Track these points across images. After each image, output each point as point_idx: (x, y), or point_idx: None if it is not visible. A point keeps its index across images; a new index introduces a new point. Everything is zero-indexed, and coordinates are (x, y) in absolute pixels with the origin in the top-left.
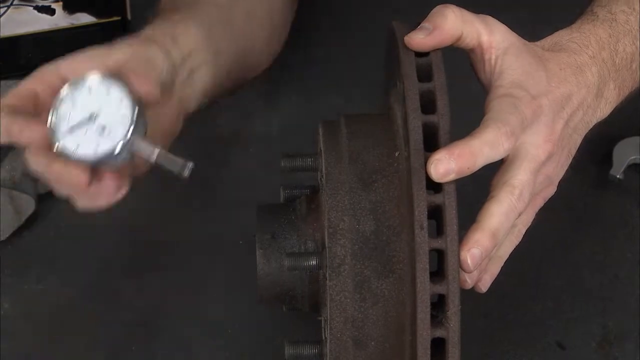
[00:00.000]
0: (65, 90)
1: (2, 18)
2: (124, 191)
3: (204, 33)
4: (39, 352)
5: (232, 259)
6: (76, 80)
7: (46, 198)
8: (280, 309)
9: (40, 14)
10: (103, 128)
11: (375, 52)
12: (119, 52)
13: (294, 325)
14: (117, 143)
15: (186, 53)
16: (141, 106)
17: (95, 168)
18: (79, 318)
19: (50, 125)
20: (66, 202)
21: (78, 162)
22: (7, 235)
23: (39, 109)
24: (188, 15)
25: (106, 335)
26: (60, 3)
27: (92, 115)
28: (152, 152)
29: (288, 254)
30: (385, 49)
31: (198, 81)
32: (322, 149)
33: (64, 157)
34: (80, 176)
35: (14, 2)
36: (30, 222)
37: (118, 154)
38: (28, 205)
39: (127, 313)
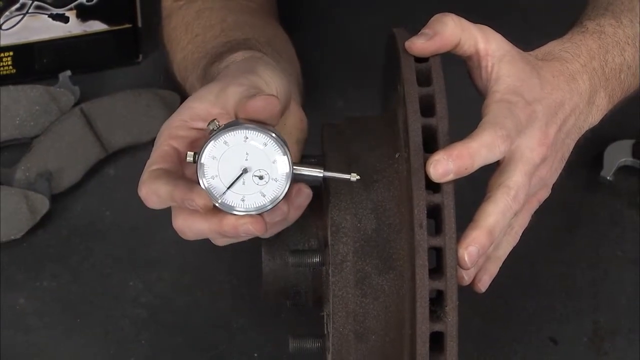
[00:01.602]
0: (206, 149)
1: (18, 26)
2: (304, 197)
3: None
4: (52, 345)
5: (237, 257)
6: (213, 135)
7: (60, 198)
8: (285, 305)
9: (54, 22)
10: (261, 177)
11: (375, 57)
12: (231, 88)
13: (297, 320)
14: (283, 185)
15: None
16: (280, 135)
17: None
18: (90, 313)
19: (206, 188)
20: (79, 203)
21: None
22: (22, 234)
23: (183, 164)
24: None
25: (116, 329)
26: (74, 11)
27: (244, 168)
28: (319, 171)
29: (292, 251)
30: (385, 55)
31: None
32: (325, 150)
33: (230, 212)
34: (257, 224)
35: (30, 10)
36: (44, 221)
37: (286, 192)
38: (42, 204)
39: (136, 308)
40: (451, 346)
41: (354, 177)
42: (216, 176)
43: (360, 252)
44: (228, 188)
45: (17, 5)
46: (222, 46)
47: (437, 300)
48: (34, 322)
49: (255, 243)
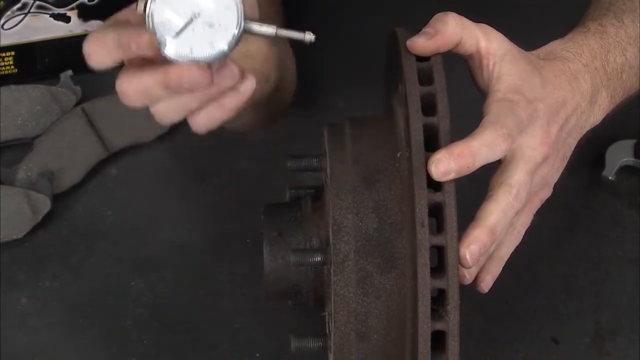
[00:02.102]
0: None
1: (19, 25)
2: (250, 81)
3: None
4: (54, 345)
5: (239, 256)
6: None
7: (61, 198)
8: (286, 305)
9: (56, 22)
10: (211, 24)
11: (377, 57)
12: None
13: (299, 320)
14: (234, 32)
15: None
16: None
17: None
18: (92, 313)
19: (154, 33)
20: (80, 202)
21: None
22: (23, 234)
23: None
24: None
25: (118, 329)
26: (76, 11)
27: (194, 14)
28: (271, 28)
29: (294, 250)
30: (386, 54)
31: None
32: (326, 150)
33: (179, 62)
34: (203, 74)
35: (31, 10)
36: (45, 221)
37: (235, 44)
38: (44, 204)
39: (138, 308)
40: (453, 345)
41: (308, 35)
42: (164, 22)
43: (362, 251)
44: (177, 34)
45: (19, 5)
46: None
47: (438, 299)
48: (36, 322)
49: (256, 243)
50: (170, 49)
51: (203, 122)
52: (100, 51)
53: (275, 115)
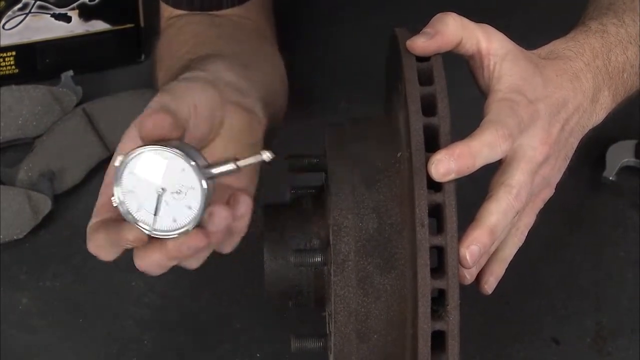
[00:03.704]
0: (116, 187)
1: (20, 25)
2: (244, 203)
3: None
4: (55, 345)
5: (240, 257)
6: (118, 170)
7: (62, 198)
8: (287, 305)
9: (56, 22)
10: (178, 190)
11: (378, 58)
12: (140, 116)
13: (299, 320)
14: (201, 190)
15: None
16: (183, 144)
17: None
18: (93, 313)
19: (135, 222)
20: (81, 203)
21: (184, 232)
22: (24, 234)
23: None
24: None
25: (119, 329)
26: (76, 11)
27: (158, 190)
28: (233, 167)
29: (294, 250)
30: (387, 55)
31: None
32: (327, 150)
33: (167, 237)
34: (197, 238)
35: (32, 10)
36: (46, 221)
37: (210, 196)
38: (45, 204)
39: (139, 308)
40: (453, 345)
41: (266, 155)
42: (140, 208)
43: (362, 251)
44: (155, 212)
45: (20, 5)
46: (185, 65)
47: (438, 299)
48: (37, 322)
49: (256, 243)
50: (157, 230)
51: (227, 249)
52: (102, 251)
53: (270, 135)
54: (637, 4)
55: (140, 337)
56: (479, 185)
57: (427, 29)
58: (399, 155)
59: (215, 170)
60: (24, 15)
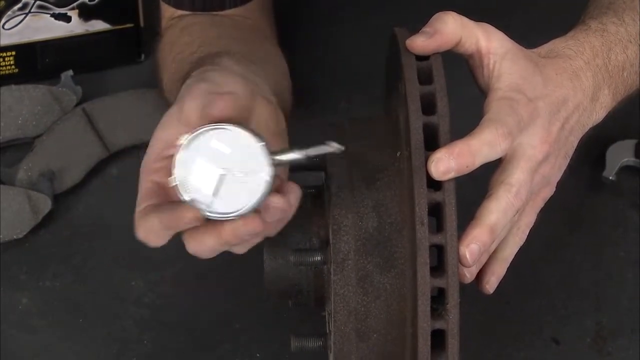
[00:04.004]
0: (177, 165)
1: (20, 25)
2: (295, 193)
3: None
4: (55, 345)
5: (239, 256)
6: (180, 149)
7: (62, 198)
8: (287, 304)
9: (56, 21)
10: (243, 173)
11: (378, 58)
12: (187, 104)
13: (299, 319)
14: (266, 179)
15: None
16: (251, 127)
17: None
18: (92, 313)
19: (192, 203)
20: (81, 202)
21: (241, 216)
22: (24, 234)
23: (169, 193)
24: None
25: (119, 329)
26: (76, 11)
27: (223, 170)
28: (301, 156)
29: (294, 250)
30: (386, 54)
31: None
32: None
33: (227, 218)
34: (254, 222)
35: (32, 10)
36: (46, 221)
37: (272, 184)
38: (44, 204)
39: (139, 308)
40: (452, 344)
41: (336, 146)
42: (198, 188)
43: (362, 250)
44: (214, 195)
45: (20, 5)
46: (195, 63)
47: (438, 298)
48: (37, 322)
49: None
50: (214, 212)
51: (272, 234)
52: (152, 236)
53: None
54: (637, 3)
55: (140, 337)
56: (478, 184)
57: (426, 28)
58: (398, 154)
59: (283, 157)
60: (24, 15)
